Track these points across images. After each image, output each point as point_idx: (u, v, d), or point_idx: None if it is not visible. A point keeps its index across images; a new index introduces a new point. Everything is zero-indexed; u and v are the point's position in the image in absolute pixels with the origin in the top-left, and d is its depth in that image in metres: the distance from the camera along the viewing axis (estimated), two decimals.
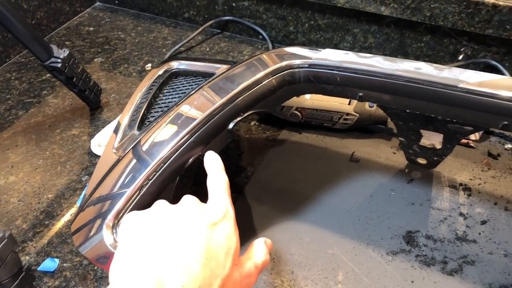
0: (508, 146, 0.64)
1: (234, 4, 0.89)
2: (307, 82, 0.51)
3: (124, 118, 0.55)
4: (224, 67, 0.57)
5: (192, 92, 0.52)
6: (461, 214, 0.56)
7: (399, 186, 0.59)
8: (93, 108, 0.77)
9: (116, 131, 0.54)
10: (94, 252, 0.42)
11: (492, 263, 0.50)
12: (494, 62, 0.71)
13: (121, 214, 0.42)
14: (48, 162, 0.68)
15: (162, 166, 0.44)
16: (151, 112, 0.55)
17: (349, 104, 0.64)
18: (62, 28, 1.00)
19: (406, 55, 0.79)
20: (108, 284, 0.33)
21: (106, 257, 0.41)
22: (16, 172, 0.66)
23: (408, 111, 0.48)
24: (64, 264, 0.54)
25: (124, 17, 1.03)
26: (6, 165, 0.67)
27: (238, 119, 0.49)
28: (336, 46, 0.85)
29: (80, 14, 1.05)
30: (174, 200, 0.38)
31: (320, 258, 0.52)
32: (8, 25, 0.60)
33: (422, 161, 0.59)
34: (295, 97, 0.57)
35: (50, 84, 0.83)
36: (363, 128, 0.67)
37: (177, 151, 0.45)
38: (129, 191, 0.43)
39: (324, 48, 0.52)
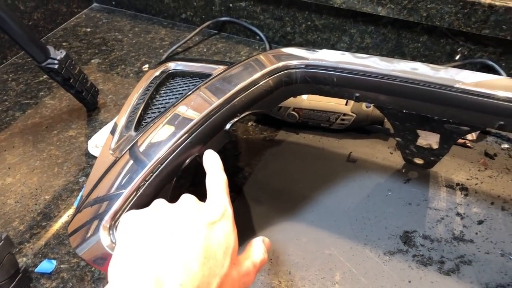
0: (505, 146, 0.64)
1: (231, 5, 0.89)
2: (304, 83, 0.51)
3: (121, 119, 0.55)
4: (221, 67, 0.57)
5: (189, 93, 0.52)
6: (458, 214, 0.56)
7: (396, 186, 0.60)
8: (90, 109, 0.77)
9: (113, 132, 0.54)
10: (91, 253, 0.42)
11: (489, 262, 0.50)
12: (490, 62, 0.72)
13: (118, 215, 0.42)
14: (45, 163, 0.67)
15: (159, 167, 0.44)
16: (148, 113, 0.55)
17: (346, 104, 0.64)
18: (59, 29, 1.00)
19: (403, 56, 0.79)
20: (106, 283, 0.33)
21: (103, 258, 0.41)
22: (13, 174, 0.66)
23: (404, 111, 0.49)
24: (62, 266, 0.54)
25: (121, 18, 1.03)
26: (3, 167, 0.67)
27: (235, 119, 0.49)
28: (333, 47, 0.85)
29: (77, 15, 1.05)
30: (172, 201, 0.38)
31: (317, 258, 0.52)
32: (4, 26, 0.60)
33: (419, 161, 0.59)
34: (292, 98, 0.57)
35: (47, 85, 0.83)
36: (360, 128, 0.67)
37: (174, 152, 0.45)
38: (126, 192, 0.43)
39: (321, 48, 0.52)
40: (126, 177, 0.44)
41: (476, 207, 0.56)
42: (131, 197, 0.43)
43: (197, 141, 0.46)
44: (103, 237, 0.41)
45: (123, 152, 0.48)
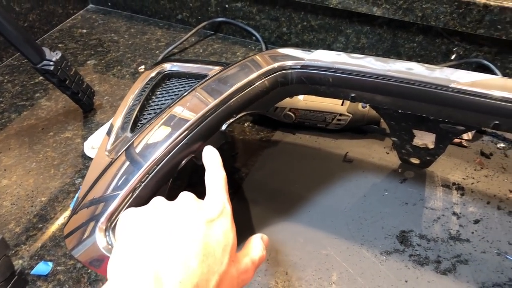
0: (501, 145, 0.64)
1: (227, 6, 0.89)
2: (300, 83, 0.51)
3: (117, 120, 0.55)
4: (217, 68, 0.57)
5: (185, 94, 0.52)
6: (454, 213, 0.56)
7: (392, 186, 0.60)
8: (86, 110, 0.77)
9: (109, 133, 0.54)
10: (87, 255, 0.42)
11: (485, 262, 0.51)
12: (486, 62, 0.72)
13: (114, 217, 0.42)
14: (41, 165, 0.67)
15: (155, 168, 0.44)
16: (144, 114, 0.55)
17: (342, 104, 0.64)
18: (55, 30, 1.00)
19: (398, 56, 0.80)
20: (102, 284, 0.33)
21: (99, 260, 0.41)
22: (9, 176, 0.66)
23: (400, 111, 0.49)
24: (58, 268, 0.54)
25: (117, 19, 1.03)
26: None
27: (231, 120, 0.49)
28: (329, 47, 0.85)
29: (73, 16, 1.04)
30: (169, 200, 0.38)
31: (314, 258, 0.52)
32: None
33: (415, 161, 0.59)
34: (288, 98, 0.57)
35: (43, 87, 0.83)
36: (356, 128, 0.67)
37: (170, 153, 0.45)
38: (122, 194, 0.43)
39: (317, 49, 0.53)
40: (122, 178, 0.44)
41: (472, 206, 0.56)
42: (127, 198, 0.43)
43: (193, 142, 0.46)
44: (99, 239, 0.41)
45: (119, 153, 0.48)
